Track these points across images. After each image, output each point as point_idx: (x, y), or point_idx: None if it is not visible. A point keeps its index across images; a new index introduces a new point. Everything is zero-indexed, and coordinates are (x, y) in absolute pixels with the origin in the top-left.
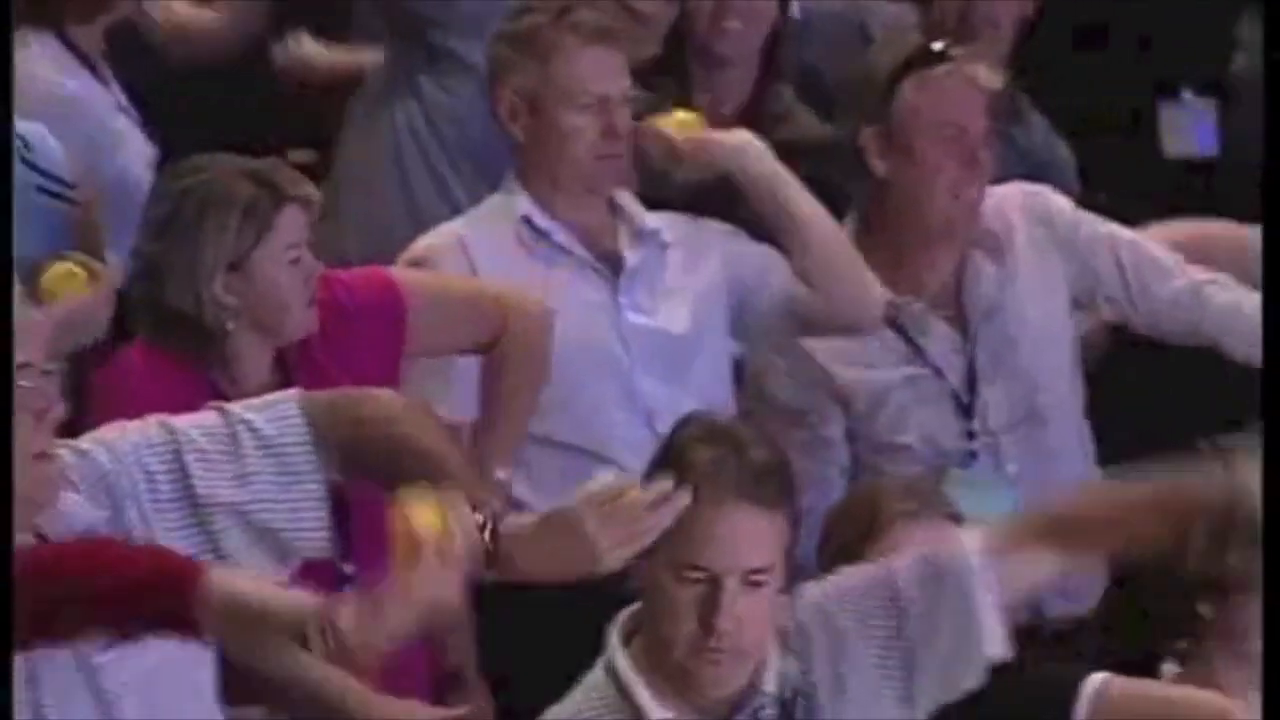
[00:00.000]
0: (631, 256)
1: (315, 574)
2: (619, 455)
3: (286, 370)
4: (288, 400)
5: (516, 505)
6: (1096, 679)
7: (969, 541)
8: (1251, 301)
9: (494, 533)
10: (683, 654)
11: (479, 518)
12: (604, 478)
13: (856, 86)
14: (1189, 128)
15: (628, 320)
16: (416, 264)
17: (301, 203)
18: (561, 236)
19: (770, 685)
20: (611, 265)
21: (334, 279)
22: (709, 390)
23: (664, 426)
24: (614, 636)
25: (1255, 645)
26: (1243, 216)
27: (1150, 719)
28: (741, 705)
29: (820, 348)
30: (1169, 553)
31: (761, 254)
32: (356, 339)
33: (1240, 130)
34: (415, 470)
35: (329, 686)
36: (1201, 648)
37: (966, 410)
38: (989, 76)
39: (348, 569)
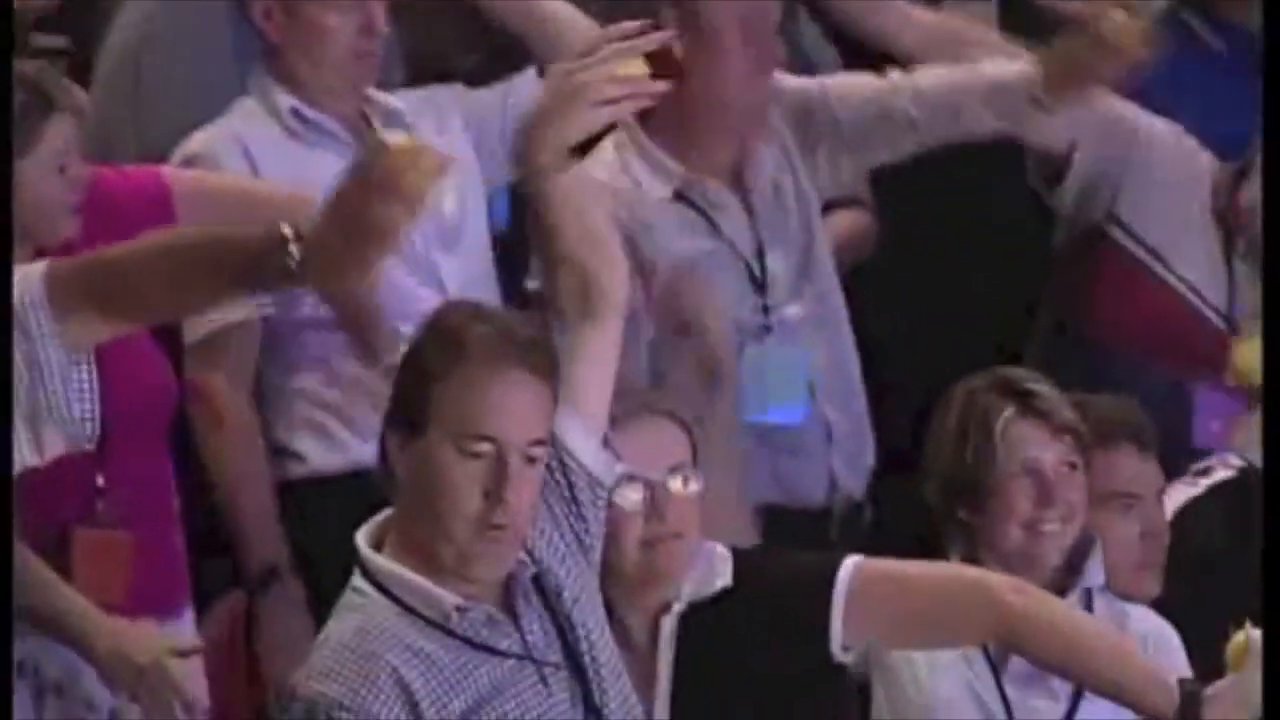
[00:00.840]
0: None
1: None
2: None
3: None
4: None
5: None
6: (852, 560)
7: None
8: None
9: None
10: (465, 536)
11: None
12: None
13: None
14: None
15: None
16: (191, 162)
17: (72, 111)
18: (330, 123)
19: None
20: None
21: (101, 176)
22: (482, 263)
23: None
24: (363, 549)
25: (1007, 540)
26: None
27: (909, 592)
28: (510, 588)
29: (624, 219)
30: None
31: (496, 91)
32: (122, 229)
33: None
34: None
35: (69, 613)
36: (969, 547)
37: (760, 285)
38: None
39: (100, 481)
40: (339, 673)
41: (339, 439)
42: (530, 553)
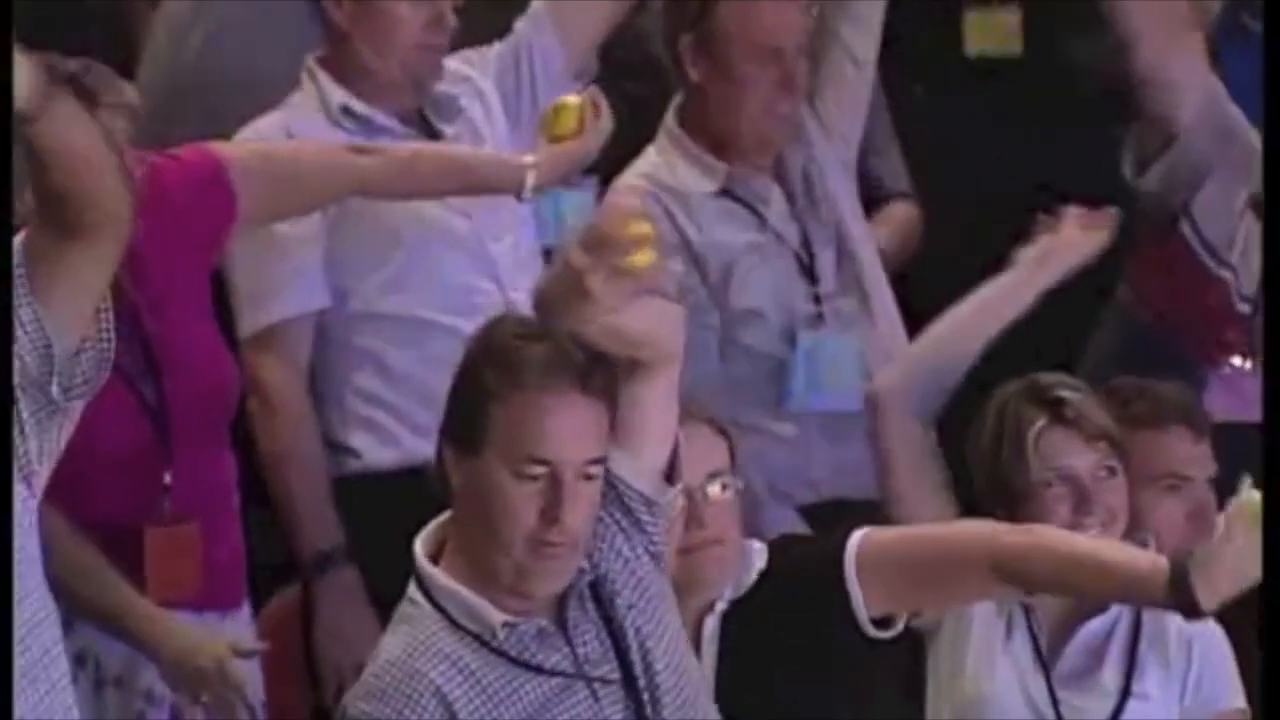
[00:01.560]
0: (449, 128)
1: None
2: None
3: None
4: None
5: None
6: (861, 531)
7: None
8: None
9: None
10: (522, 553)
11: None
12: None
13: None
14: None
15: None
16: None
17: (116, 109)
18: (382, 119)
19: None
20: (433, 139)
21: (155, 167)
22: (528, 244)
23: (516, 291)
24: (419, 560)
25: None
26: None
27: (915, 551)
28: (565, 598)
29: (675, 212)
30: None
31: (508, 48)
32: (179, 216)
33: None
34: None
35: (133, 614)
36: None
37: (809, 273)
38: None
39: (167, 479)
40: (385, 692)
41: (393, 435)
42: (589, 556)
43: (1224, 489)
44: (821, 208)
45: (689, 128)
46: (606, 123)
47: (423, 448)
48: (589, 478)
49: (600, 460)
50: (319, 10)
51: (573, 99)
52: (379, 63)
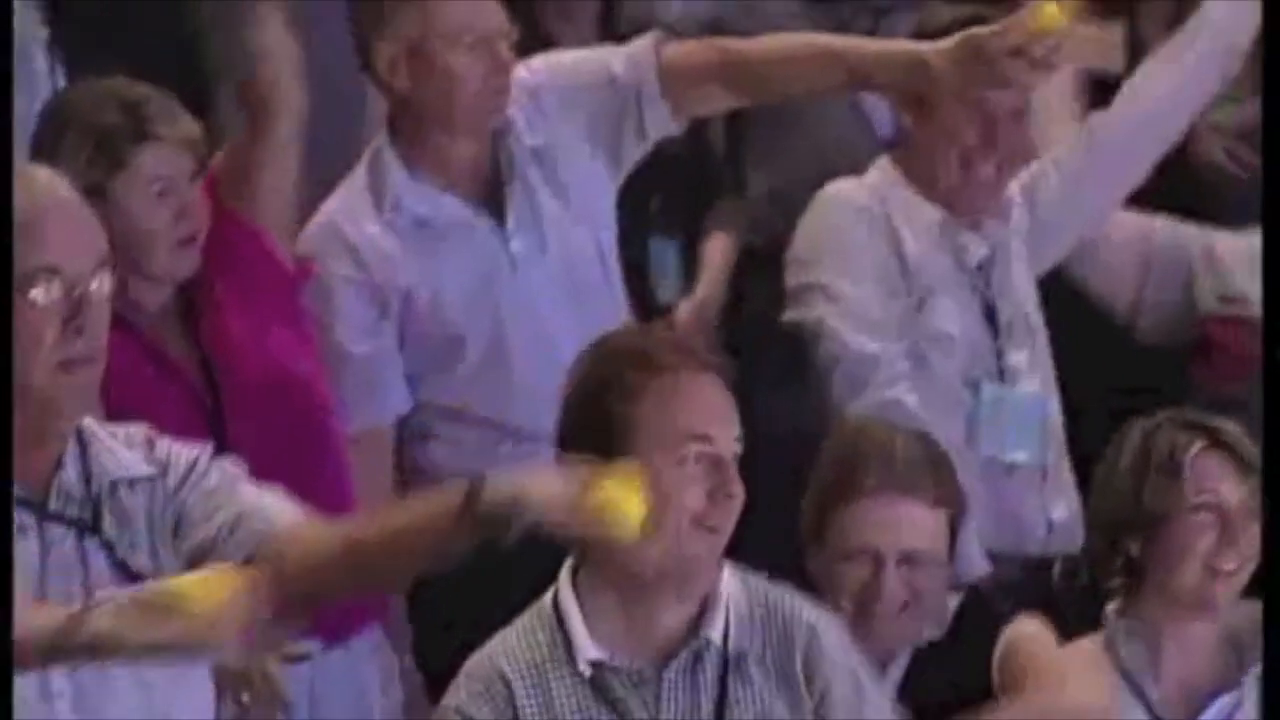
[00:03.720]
0: (515, 192)
1: None
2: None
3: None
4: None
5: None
6: None
7: None
8: None
9: None
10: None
11: None
12: None
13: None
14: None
15: (527, 274)
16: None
17: (172, 143)
18: (443, 212)
19: (715, 633)
20: (494, 205)
21: (250, 232)
22: (615, 302)
23: None
24: (565, 569)
25: (1182, 578)
26: None
27: None
28: (680, 649)
29: (894, 215)
30: (1102, 496)
31: (594, 73)
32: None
33: None
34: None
35: None
36: (1133, 584)
37: (995, 325)
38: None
39: None
40: (468, 681)
41: None
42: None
43: None
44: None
45: (905, 171)
46: None
47: None
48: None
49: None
50: (377, 85)
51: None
52: (443, 126)
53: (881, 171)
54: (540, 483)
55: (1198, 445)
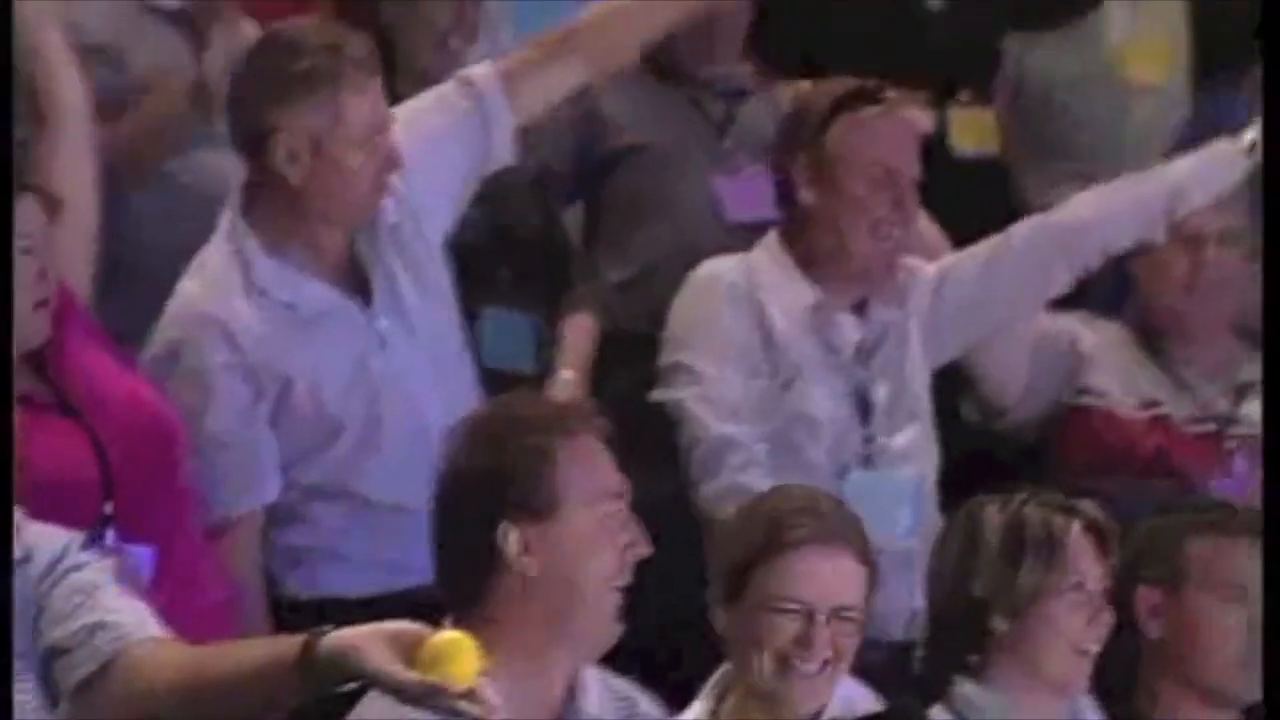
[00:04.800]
0: (378, 273)
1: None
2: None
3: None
4: None
5: (339, 557)
6: None
7: None
8: None
9: None
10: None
11: None
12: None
13: (792, 119)
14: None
15: (395, 352)
16: (173, 349)
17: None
18: (310, 298)
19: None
20: (358, 285)
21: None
22: (471, 374)
23: None
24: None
25: (1050, 657)
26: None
27: None
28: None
29: (764, 300)
30: (962, 573)
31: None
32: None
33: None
34: None
35: None
36: (991, 660)
37: (865, 411)
38: (922, 118)
39: (108, 508)
40: None
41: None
42: None
43: None
44: (894, 349)
45: (793, 248)
46: None
47: None
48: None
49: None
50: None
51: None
52: (325, 218)
53: (766, 249)
54: (374, 641)
55: (1076, 526)
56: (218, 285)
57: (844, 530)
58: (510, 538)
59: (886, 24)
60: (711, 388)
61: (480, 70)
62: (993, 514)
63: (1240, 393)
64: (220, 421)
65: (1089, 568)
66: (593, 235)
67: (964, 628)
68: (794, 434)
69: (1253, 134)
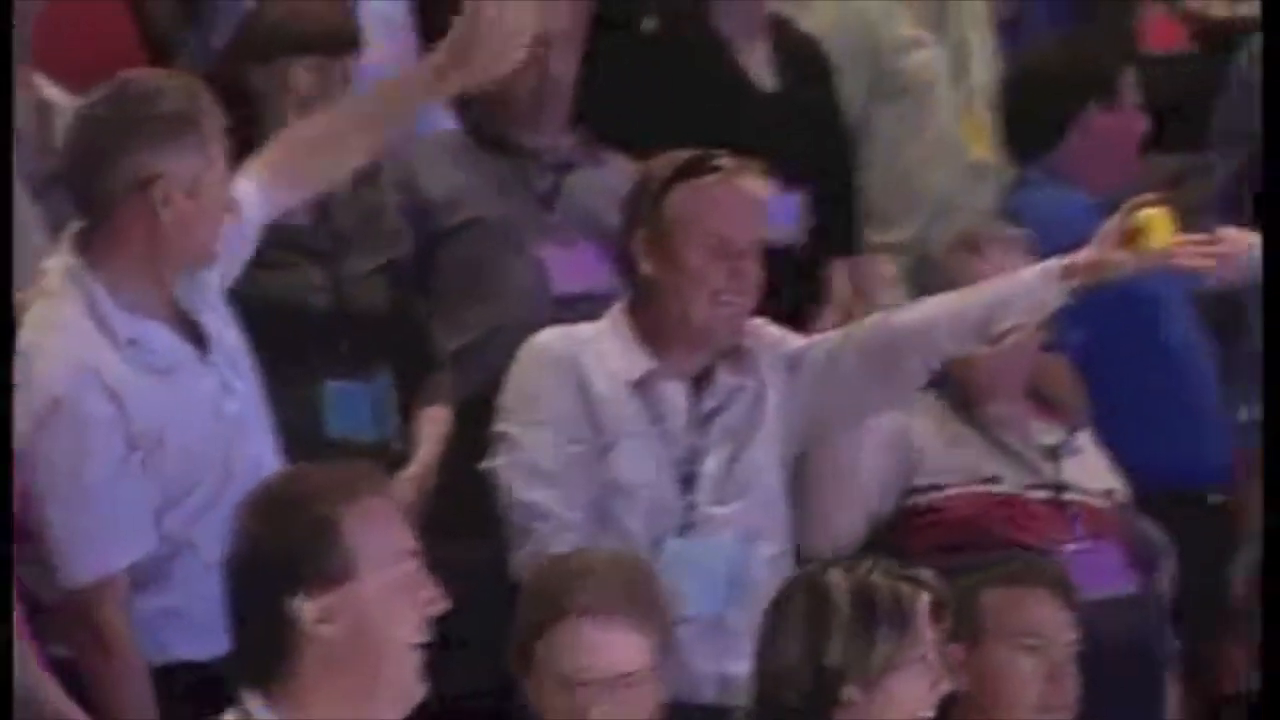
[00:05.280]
0: (208, 322)
1: None
2: None
3: None
4: None
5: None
6: None
7: None
8: None
9: None
10: None
11: None
12: None
13: (634, 191)
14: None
15: (234, 400)
16: (55, 407)
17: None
18: (161, 345)
19: None
20: (194, 334)
21: None
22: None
23: None
24: None
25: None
26: None
27: None
28: None
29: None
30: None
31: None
32: None
33: None
34: None
35: None
36: None
37: (691, 480)
38: (760, 186)
39: None
40: None
41: None
42: None
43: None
44: (738, 420)
45: (636, 319)
46: None
47: None
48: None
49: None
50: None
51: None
52: (173, 267)
53: (610, 320)
54: None
55: (924, 597)
56: (82, 336)
57: (621, 597)
58: (305, 609)
59: (720, 103)
60: (526, 455)
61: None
62: (838, 580)
63: (1053, 455)
64: (97, 473)
65: (931, 637)
66: (432, 308)
67: (813, 697)
68: (610, 501)
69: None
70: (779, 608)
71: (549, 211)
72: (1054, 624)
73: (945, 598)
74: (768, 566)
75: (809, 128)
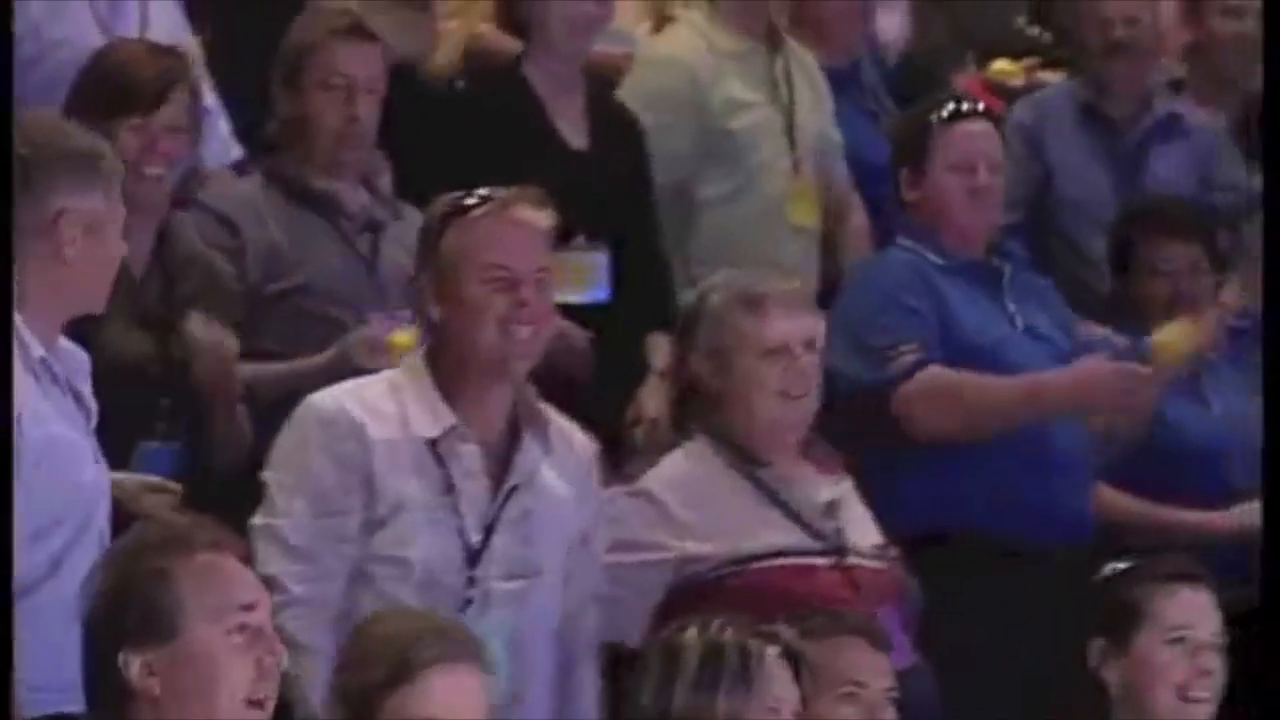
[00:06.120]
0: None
1: None
2: None
3: None
4: None
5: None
6: None
7: None
8: None
9: None
10: None
11: None
12: None
13: (417, 239)
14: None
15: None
16: None
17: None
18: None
19: None
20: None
21: None
22: None
23: None
24: None
25: None
26: None
27: None
28: None
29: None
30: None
31: None
32: None
33: None
34: None
35: None
36: None
37: (474, 557)
38: (536, 215)
39: None
40: None
41: None
42: None
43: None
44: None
45: (433, 366)
46: None
47: None
48: None
49: None
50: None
51: None
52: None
53: (407, 369)
54: None
55: (772, 652)
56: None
57: (469, 645)
58: (132, 663)
59: (530, 158)
60: (276, 521)
61: None
62: (691, 638)
63: (831, 512)
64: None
65: (783, 693)
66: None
67: None
68: (378, 572)
69: None
70: (636, 666)
71: (372, 275)
72: (871, 669)
73: (798, 650)
74: (552, 640)
75: (618, 187)
